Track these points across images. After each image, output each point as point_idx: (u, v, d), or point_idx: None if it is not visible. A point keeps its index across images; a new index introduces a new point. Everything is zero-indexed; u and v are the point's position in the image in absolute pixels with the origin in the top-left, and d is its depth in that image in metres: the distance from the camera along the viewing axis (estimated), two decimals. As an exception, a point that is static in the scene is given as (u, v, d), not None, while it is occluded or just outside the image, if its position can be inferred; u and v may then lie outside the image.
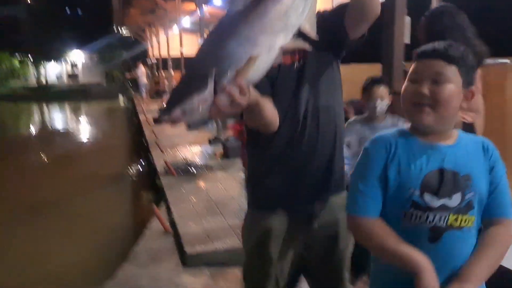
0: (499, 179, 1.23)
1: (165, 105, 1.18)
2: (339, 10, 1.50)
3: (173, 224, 4.13)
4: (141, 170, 8.68)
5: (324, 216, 1.62)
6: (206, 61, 1.19)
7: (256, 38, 1.18)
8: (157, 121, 11.30)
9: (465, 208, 1.18)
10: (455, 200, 1.17)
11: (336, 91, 1.64)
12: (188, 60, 1.13)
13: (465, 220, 1.18)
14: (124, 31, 26.86)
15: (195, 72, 1.19)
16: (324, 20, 1.46)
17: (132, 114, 18.54)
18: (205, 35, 8.15)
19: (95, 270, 3.94)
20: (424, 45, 1.24)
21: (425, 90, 1.17)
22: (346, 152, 1.93)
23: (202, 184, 5.47)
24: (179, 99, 1.14)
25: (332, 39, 1.49)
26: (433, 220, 1.16)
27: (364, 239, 1.25)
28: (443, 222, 1.16)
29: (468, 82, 1.19)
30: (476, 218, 1.20)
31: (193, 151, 7.58)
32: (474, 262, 1.16)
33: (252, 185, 1.71)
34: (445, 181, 1.17)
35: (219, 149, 7.17)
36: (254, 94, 1.25)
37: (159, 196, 5.40)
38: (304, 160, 1.55)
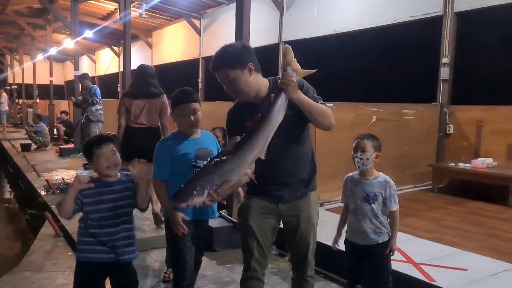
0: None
1: (175, 195, 2.09)
2: None
3: (62, 228, 4.91)
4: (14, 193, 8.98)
5: (289, 205, 2.44)
6: (205, 177, 2.08)
7: (232, 172, 2.08)
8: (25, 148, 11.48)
9: None
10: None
11: (295, 131, 2.41)
12: (198, 173, 2.23)
13: None
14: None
15: (200, 182, 2.07)
16: None
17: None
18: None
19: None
20: None
21: None
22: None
23: (83, 200, 6.21)
24: (185, 198, 2.05)
25: None
26: None
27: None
28: None
29: None
30: None
31: (69, 174, 8.17)
32: None
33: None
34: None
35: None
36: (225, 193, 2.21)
37: (42, 210, 6.02)
38: (273, 170, 2.38)
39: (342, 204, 2.89)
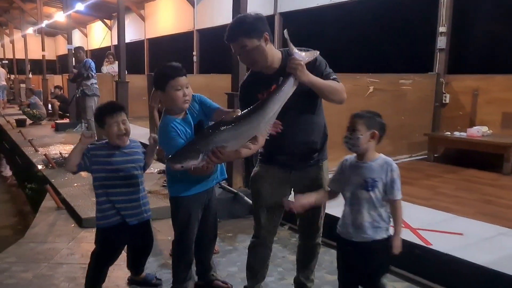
0: None
1: (171, 156, 2.19)
2: None
3: (64, 201, 4.96)
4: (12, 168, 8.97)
5: (301, 173, 2.48)
6: (201, 142, 2.17)
7: (228, 141, 2.14)
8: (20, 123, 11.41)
9: None
10: None
11: (308, 102, 2.42)
12: (195, 137, 2.30)
13: None
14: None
15: (196, 146, 2.17)
16: None
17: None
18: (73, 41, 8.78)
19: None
20: None
21: None
22: None
23: (82, 172, 6.24)
24: (180, 159, 2.15)
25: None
26: None
27: None
28: None
29: None
30: None
31: (67, 149, 8.17)
32: None
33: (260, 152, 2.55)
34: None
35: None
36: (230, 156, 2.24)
37: (42, 184, 6.05)
38: (286, 139, 2.38)
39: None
